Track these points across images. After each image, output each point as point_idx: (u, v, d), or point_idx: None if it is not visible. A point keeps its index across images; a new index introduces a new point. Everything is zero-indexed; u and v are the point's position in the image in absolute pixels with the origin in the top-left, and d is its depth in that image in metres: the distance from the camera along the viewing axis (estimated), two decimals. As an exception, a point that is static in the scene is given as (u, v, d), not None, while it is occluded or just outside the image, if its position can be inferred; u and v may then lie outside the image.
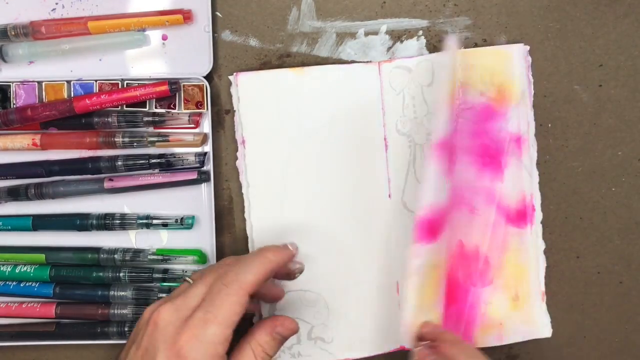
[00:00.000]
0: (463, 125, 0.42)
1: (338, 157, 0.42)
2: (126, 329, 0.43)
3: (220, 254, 0.44)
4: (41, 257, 0.43)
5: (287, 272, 0.40)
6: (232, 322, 0.32)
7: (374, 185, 0.42)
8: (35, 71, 0.43)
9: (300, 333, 0.43)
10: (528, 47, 0.42)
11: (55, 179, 0.43)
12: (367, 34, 0.43)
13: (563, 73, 0.43)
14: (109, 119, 0.42)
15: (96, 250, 0.43)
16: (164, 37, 0.43)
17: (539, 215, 0.43)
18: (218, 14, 0.43)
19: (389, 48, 0.43)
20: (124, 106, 0.42)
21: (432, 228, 0.38)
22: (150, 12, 0.42)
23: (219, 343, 0.32)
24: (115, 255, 0.43)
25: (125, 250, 0.43)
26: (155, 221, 0.43)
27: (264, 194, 0.43)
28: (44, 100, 0.43)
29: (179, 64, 0.43)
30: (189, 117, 0.42)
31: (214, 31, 0.43)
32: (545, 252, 0.43)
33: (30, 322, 0.44)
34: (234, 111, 0.43)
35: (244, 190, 0.43)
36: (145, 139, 0.42)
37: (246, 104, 0.42)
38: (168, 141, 0.43)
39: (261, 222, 0.43)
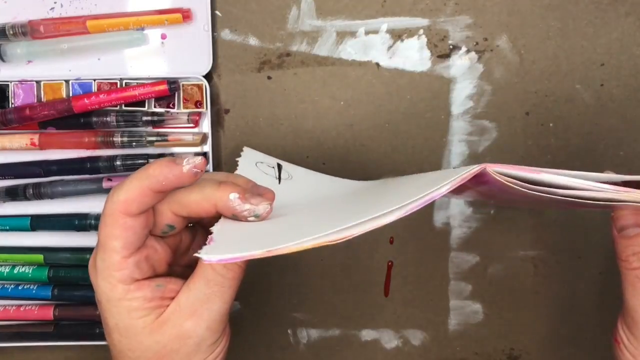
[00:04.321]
0: None
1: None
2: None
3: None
4: (39, 257, 0.43)
5: (231, 211, 0.30)
6: (113, 247, 0.29)
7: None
8: (34, 70, 0.43)
9: None
10: None
11: (54, 179, 0.43)
12: (367, 33, 0.43)
13: (564, 72, 0.43)
14: (108, 119, 0.42)
15: (95, 250, 0.43)
16: (163, 36, 0.43)
17: None
18: (217, 12, 0.43)
19: (390, 47, 0.43)
20: (123, 106, 0.42)
21: None
22: (149, 11, 0.42)
23: (109, 269, 0.29)
24: (114, 256, 0.43)
25: (124, 251, 0.43)
26: (154, 221, 0.43)
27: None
28: (42, 99, 0.42)
29: (178, 63, 0.43)
30: (188, 116, 0.42)
31: (214, 30, 0.43)
32: (546, 252, 0.43)
33: (28, 322, 0.44)
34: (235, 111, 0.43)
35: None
36: (144, 138, 0.42)
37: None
38: (167, 141, 0.42)
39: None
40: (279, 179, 0.39)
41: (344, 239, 0.25)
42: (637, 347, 0.32)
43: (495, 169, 0.28)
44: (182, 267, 0.34)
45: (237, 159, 0.40)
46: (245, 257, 0.25)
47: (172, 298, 0.30)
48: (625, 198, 0.28)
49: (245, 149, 0.42)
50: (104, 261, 0.29)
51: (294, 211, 0.32)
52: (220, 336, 0.31)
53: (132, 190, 0.29)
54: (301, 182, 0.40)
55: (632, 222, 0.32)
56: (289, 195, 0.36)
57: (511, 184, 0.28)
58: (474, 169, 0.27)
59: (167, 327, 0.30)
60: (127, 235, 0.29)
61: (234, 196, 0.29)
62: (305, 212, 0.32)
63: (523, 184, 0.28)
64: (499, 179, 0.28)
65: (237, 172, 0.39)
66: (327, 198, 0.36)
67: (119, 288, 0.29)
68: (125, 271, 0.29)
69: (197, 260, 0.30)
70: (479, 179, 0.29)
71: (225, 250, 0.26)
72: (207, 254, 0.25)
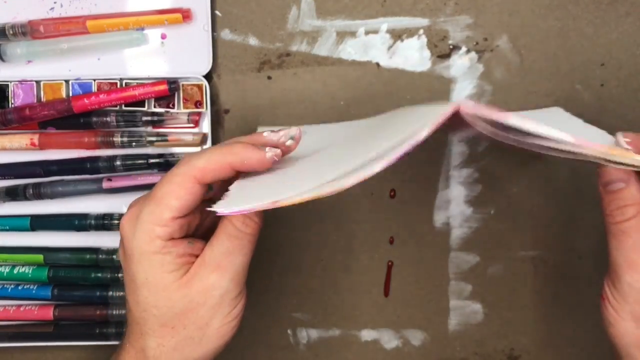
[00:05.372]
0: None
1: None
2: (124, 330, 0.42)
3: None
4: (39, 257, 0.43)
5: (269, 143, 0.33)
6: (170, 204, 0.30)
7: None
8: (34, 70, 0.43)
9: None
10: None
11: (54, 179, 0.43)
12: (367, 32, 0.43)
13: (564, 72, 0.43)
14: (108, 119, 0.42)
15: (95, 250, 0.43)
16: (163, 36, 0.43)
17: None
18: (217, 12, 0.43)
19: (390, 47, 0.43)
20: (123, 106, 0.42)
21: None
22: (149, 11, 0.42)
23: (154, 223, 0.30)
24: (114, 256, 0.42)
25: (124, 251, 0.43)
26: (154, 221, 0.43)
27: None
28: (42, 99, 0.42)
29: (178, 63, 0.43)
30: (188, 116, 0.42)
31: (213, 30, 0.43)
32: (546, 252, 0.43)
33: (28, 322, 0.44)
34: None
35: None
36: (144, 138, 0.42)
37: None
38: (167, 141, 0.42)
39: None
40: None
41: (338, 190, 0.27)
42: (620, 301, 0.32)
43: (468, 111, 0.30)
44: (202, 232, 0.35)
45: None
46: (252, 209, 0.27)
47: (197, 256, 0.32)
48: (584, 151, 0.29)
49: (259, 127, 0.42)
50: (152, 214, 0.31)
51: (303, 161, 0.34)
52: (241, 291, 0.33)
53: (213, 161, 0.31)
54: (316, 133, 0.40)
55: (616, 177, 0.32)
56: (302, 147, 0.37)
57: (480, 129, 0.30)
58: (448, 109, 0.29)
59: (194, 281, 0.31)
60: (188, 199, 0.31)
61: (267, 133, 0.33)
62: (313, 162, 0.33)
63: (491, 128, 0.30)
64: (470, 121, 0.30)
65: None
66: (335, 143, 0.37)
67: (157, 242, 0.31)
68: (168, 229, 0.31)
69: (215, 226, 0.33)
70: (457, 119, 0.31)
71: (236, 204, 0.28)
72: (219, 207, 0.28)
